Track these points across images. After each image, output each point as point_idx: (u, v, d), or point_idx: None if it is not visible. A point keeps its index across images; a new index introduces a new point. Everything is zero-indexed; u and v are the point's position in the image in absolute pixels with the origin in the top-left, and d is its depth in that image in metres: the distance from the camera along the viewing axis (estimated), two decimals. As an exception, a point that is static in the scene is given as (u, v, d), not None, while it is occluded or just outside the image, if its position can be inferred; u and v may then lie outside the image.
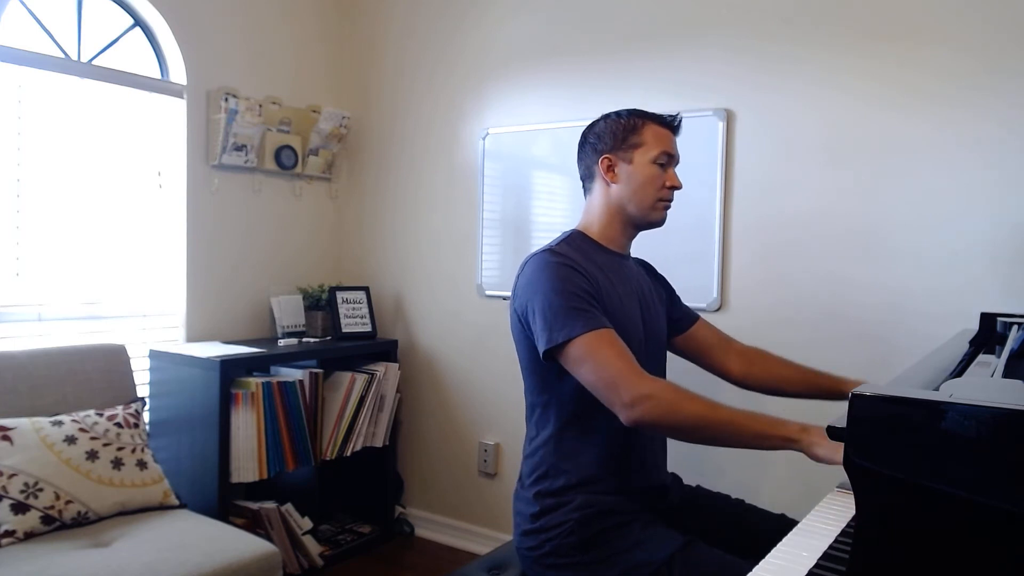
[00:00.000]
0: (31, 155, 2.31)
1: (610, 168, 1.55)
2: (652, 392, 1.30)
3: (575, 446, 1.47)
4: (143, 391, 2.48)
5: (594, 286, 1.44)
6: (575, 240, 1.56)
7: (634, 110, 1.59)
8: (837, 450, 1.18)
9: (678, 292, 1.79)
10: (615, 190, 1.55)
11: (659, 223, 1.58)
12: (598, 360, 1.34)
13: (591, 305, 1.39)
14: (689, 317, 1.76)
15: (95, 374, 2.21)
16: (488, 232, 2.83)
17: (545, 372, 1.46)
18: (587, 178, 1.62)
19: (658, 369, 1.63)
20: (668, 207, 1.58)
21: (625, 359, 1.34)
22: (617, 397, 1.31)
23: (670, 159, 1.55)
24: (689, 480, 1.70)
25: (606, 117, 1.60)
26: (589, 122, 1.62)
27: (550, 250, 1.47)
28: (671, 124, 1.58)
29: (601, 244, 1.57)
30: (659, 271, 1.79)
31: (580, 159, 1.63)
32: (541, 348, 1.40)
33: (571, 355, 1.36)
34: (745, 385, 1.72)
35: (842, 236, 2.16)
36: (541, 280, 1.42)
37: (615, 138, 1.55)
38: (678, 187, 1.56)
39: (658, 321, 1.64)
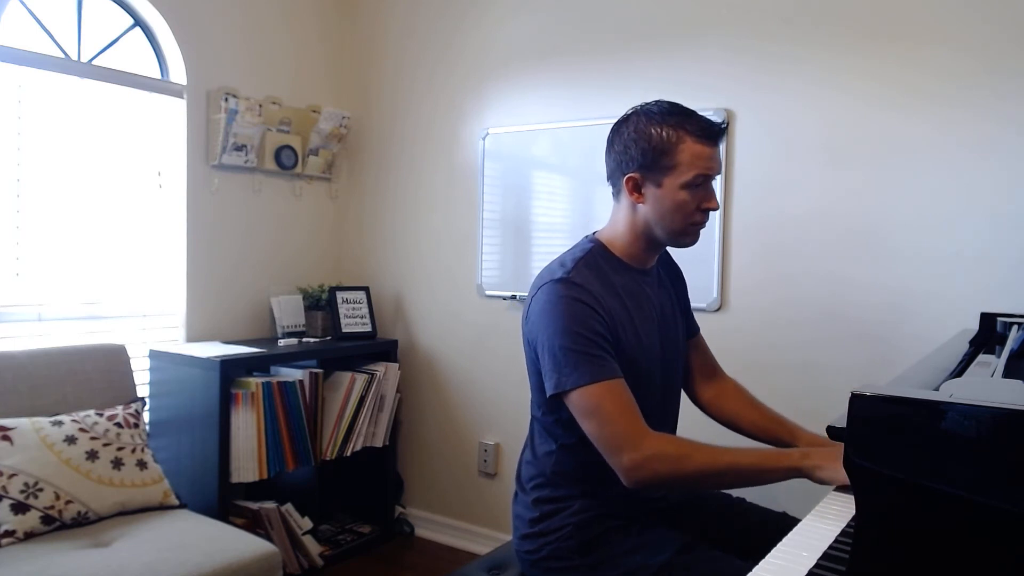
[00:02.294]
0: (31, 155, 2.31)
1: (636, 188, 1.41)
2: (653, 454, 1.28)
3: (576, 459, 1.45)
4: (143, 391, 2.48)
5: (609, 324, 1.37)
6: (594, 258, 1.44)
7: (671, 114, 1.38)
8: (839, 470, 1.19)
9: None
10: (642, 210, 1.42)
11: (690, 245, 1.45)
12: (601, 416, 1.30)
13: (602, 349, 1.34)
14: (688, 331, 1.68)
15: (95, 374, 2.21)
16: (488, 232, 2.83)
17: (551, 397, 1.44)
18: (613, 185, 1.48)
19: (673, 399, 1.59)
20: (701, 228, 1.43)
21: (628, 417, 1.30)
22: (618, 459, 1.29)
23: (706, 179, 1.38)
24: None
25: (637, 123, 1.40)
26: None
27: (565, 280, 1.37)
28: (713, 136, 1.37)
29: (623, 261, 1.47)
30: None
31: (606, 161, 1.47)
32: (548, 391, 1.37)
33: (576, 403, 1.33)
34: (706, 411, 1.67)
35: (842, 236, 2.16)
36: (553, 316, 1.35)
37: (644, 157, 1.37)
38: (714, 208, 1.40)
39: (678, 341, 1.58)
